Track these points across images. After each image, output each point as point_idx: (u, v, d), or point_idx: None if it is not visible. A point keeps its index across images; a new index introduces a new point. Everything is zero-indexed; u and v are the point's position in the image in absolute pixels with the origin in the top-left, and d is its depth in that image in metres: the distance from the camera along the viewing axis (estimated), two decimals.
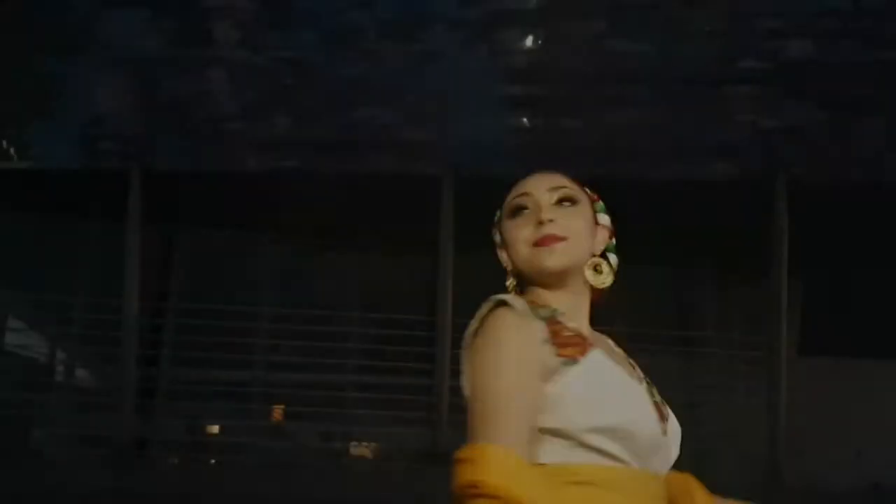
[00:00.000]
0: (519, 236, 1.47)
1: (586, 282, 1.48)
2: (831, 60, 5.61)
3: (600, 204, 1.58)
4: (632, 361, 1.51)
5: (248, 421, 7.59)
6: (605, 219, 1.56)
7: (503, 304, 1.37)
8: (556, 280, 1.46)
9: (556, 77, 5.83)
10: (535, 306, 1.41)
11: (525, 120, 6.21)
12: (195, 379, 7.21)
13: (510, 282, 1.52)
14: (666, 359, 7.72)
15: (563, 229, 1.46)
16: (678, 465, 1.51)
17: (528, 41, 5.79)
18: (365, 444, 7.97)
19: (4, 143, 6.51)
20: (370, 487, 5.92)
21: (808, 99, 5.95)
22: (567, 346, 1.35)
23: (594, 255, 1.50)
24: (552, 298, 1.46)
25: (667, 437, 1.41)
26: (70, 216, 7.22)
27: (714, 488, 1.54)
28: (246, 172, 6.72)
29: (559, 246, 1.44)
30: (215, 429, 8.16)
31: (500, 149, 6.25)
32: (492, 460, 1.21)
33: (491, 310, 1.38)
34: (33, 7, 5.56)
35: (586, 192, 1.55)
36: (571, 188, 1.51)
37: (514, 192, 1.52)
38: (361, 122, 6.17)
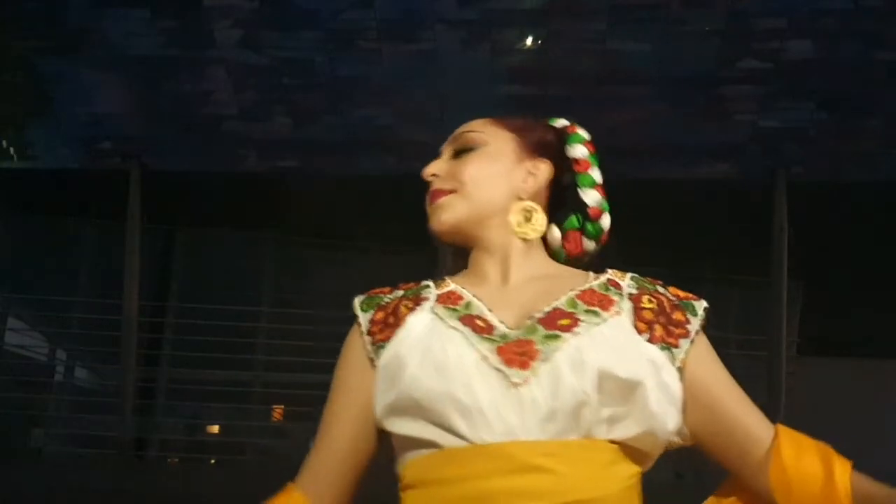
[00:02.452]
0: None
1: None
2: (831, 60, 5.61)
3: (575, 135, 1.40)
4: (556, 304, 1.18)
5: (248, 421, 7.59)
6: (577, 150, 1.37)
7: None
8: (455, 240, 1.28)
9: (556, 77, 5.82)
10: (381, 294, 1.27)
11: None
12: (195, 379, 7.21)
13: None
14: None
15: (450, 182, 1.29)
16: None
17: (528, 41, 5.79)
18: None
19: (4, 143, 6.51)
20: (369, 487, 5.91)
21: (808, 99, 5.95)
22: (384, 329, 1.20)
23: (520, 199, 1.27)
24: (474, 257, 1.29)
25: (526, 387, 1.07)
26: (70, 216, 7.22)
27: (714, 489, 1.32)
28: (246, 172, 6.73)
29: (444, 200, 1.27)
30: (215, 429, 8.16)
31: None
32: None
33: None
34: (33, 7, 5.56)
35: (514, 125, 1.36)
36: (472, 131, 1.35)
37: None
38: (361, 122, 6.17)
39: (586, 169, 1.35)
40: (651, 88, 5.84)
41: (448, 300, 1.20)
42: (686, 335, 1.16)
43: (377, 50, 5.68)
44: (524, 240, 1.26)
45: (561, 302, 1.16)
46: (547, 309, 1.16)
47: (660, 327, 1.16)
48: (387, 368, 1.15)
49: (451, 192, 1.27)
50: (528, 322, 1.14)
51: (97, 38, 5.70)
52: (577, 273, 1.25)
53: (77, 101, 6.12)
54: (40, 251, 7.20)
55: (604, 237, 1.33)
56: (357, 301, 1.26)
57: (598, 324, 1.13)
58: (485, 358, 1.10)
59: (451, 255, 1.33)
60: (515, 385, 1.08)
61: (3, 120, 6.43)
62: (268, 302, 7.52)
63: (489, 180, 1.27)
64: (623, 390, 1.07)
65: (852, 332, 8.07)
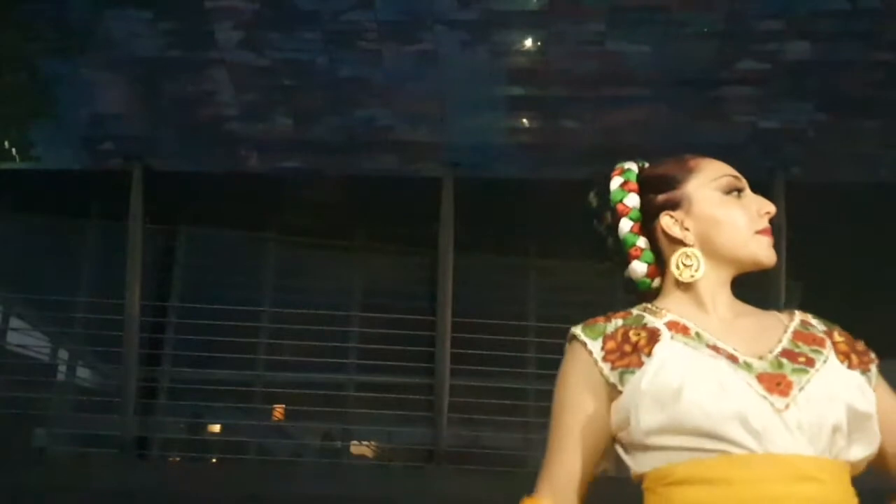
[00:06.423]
0: (738, 218, 1.41)
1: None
2: (830, 60, 5.62)
3: None
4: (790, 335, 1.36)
5: (249, 420, 7.61)
6: None
7: (571, 337, 1.37)
8: (746, 270, 1.43)
9: (556, 77, 5.84)
10: (600, 323, 1.37)
11: (525, 120, 6.23)
12: (196, 378, 7.23)
13: (687, 253, 1.40)
14: None
15: None
16: None
17: (528, 41, 5.81)
18: (365, 443, 7.99)
19: (7, 143, 6.53)
20: (370, 487, 5.93)
21: (808, 99, 5.96)
22: (624, 357, 1.31)
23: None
24: (702, 287, 1.40)
25: (787, 412, 1.24)
26: (72, 216, 7.24)
27: None
28: (247, 172, 6.75)
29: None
30: (216, 428, 8.18)
31: (500, 149, 6.27)
32: None
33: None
34: (35, 8, 5.58)
35: None
36: None
37: (718, 168, 1.49)
38: (361, 122, 6.19)
39: None
40: (650, 89, 5.86)
41: (676, 329, 1.34)
42: (872, 361, 1.39)
43: (377, 50, 5.71)
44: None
45: (785, 342, 1.34)
46: (779, 346, 1.33)
47: (855, 356, 1.37)
48: (651, 393, 1.27)
49: None
50: (771, 356, 1.31)
51: (100, 40, 5.72)
52: (763, 311, 1.44)
53: (79, 101, 6.14)
54: (43, 251, 7.22)
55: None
56: (579, 330, 1.36)
57: (824, 361, 1.32)
58: (749, 385, 1.26)
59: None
60: (779, 410, 1.24)
61: (6, 120, 6.45)
62: (269, 301, 7.54)
63: None
64: (861, 420, 1.28)
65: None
